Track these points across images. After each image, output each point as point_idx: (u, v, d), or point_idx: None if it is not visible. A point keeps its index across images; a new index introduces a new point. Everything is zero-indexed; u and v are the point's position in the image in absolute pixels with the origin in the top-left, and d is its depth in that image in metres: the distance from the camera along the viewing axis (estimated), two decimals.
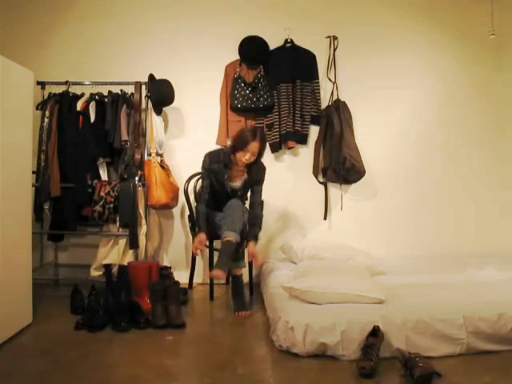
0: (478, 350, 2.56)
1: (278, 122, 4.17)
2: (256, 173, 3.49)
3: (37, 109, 3.81)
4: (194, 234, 3.61)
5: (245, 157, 3.32)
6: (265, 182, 3.52)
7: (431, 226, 4.38)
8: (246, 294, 3.49)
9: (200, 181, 3.78)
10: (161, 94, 3.98)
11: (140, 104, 3.90)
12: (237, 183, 3.51)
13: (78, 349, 2.67)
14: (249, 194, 3.57)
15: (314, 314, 2.62)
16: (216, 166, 3.44)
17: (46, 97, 3.94)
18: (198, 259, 4.09)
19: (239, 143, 3.33)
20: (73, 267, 4.19)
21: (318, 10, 4.30)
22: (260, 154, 3.38)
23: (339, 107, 4.18)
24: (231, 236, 3.19)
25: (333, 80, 4.25)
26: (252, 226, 3.41)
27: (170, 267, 3.57)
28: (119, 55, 4.23)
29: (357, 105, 4.27)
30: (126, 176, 3.76)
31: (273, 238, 4.29)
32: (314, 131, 4.29)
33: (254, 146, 3.29)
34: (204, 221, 3.43)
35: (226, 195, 3.49)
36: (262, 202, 3.55)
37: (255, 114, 4.19)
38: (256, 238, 3.41)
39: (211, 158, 3.46)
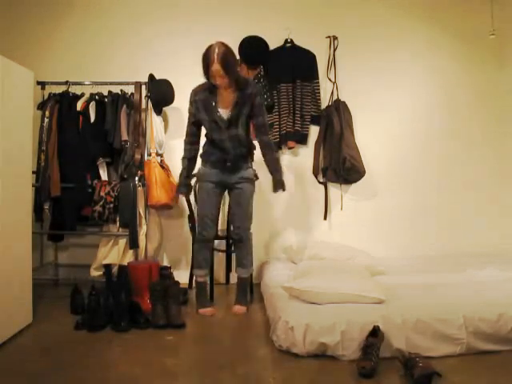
0: (478, 350, 2.56)
1: (278, 122, 4.17)
2: (247, 94, 3.16)
3: (37, 109, 3.81)
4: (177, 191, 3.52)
5: (216, 81, 3.09)
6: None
7: (431, 226, 4.38)
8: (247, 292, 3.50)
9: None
10: (161, 94, 3.98)
11: (140, 104, 3.90)
12: (228, 110, 3.19)
13: (78, 349, 2.67)
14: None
15: (314, 314, 2.62)
16: (201, 94, 3.21)
17: (46, 97, 3.94)
18: None
19: (204, 69, 3.09)
20: (73, 267, 4.19)
21: (318, 10, 4.30)
22: (227, 72, 3.02)
23: (339, 107, 4.18)
24: (245, 272, 3.43)
25: (333, 80, 4.25)
26: (273, 173, 3.34)
27: (170, 267, 3.57)
28: (119, 55, 4.23)
29: (357, 105, 4.27)
30: (125, 176, 3.76)
31: (273, 237, 4.29)
32: (314, 131, 4.29)
33: (214, 69, 3.02)
34: (184, 178, 3.37)
35: (220, 132, 3.21)
36: (271, 141, 3.37)
37: None
38: (281, 182, 3.34)
39: (195, 89, 3.27)
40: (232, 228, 3.51)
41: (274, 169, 3.35)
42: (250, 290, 3.68)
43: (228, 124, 3.20)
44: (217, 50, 3.02)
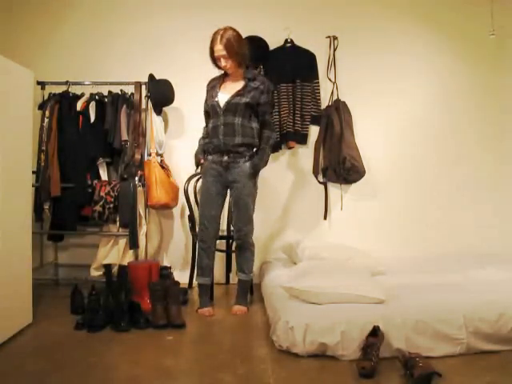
0: (478, 349, 2.56)
1: (278, 122, 4.17)
2: (253, 87, 3.18)
3: (37, 109, 3.81)
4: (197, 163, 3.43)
5: (220, 64, 3.14)
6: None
7: (431, 226, 4.37)
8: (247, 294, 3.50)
9: (200, 182, 3.72)
10: (161, 94, 3.99)
11: (140, 104, 3.90)
12: (226, 94, 3.20)
13: (78, 349, 2.67)
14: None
15: (314, 313, 2.62)
16: (212, 82, 3.32)
17: (46, 97, 3.94)
18: None
19: (210, 52, 3.15)
20: (73, 267, 4.19)
21: (318, 10, 4.30)
22: (230, 53, 3.07)
23: (339, 107, 4.18)
24: (245, 277, 3.39)
25: (333, 80, 4.25)
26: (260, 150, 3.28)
27: (170, 267, 3.57)
28: (119, 55, 4.23)
29: (357, 105, 4.27)
30: (125, 176, 3.77)
31: (273, 238, 4.29)
32: (314, 131, 4.29)
33: (217, 50, 3.09)
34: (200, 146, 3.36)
35: (217, 117, 3.20)
36: (271, 138, 3.31)
37: None
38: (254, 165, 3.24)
39: (211, 79, 3.36)
40: (233, 231, 3.50)
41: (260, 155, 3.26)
42: (250, 290, 3.68)
43: (224, 110, 3.19)
44: (221, 32, 3.10)
